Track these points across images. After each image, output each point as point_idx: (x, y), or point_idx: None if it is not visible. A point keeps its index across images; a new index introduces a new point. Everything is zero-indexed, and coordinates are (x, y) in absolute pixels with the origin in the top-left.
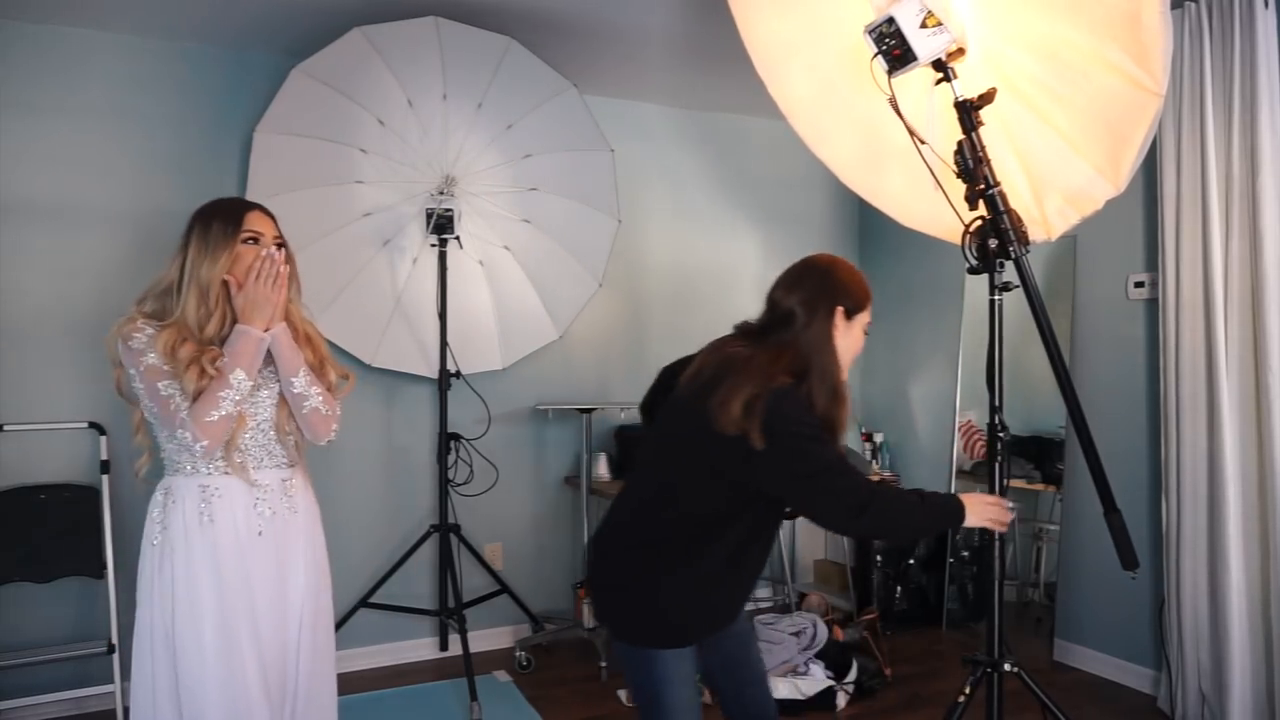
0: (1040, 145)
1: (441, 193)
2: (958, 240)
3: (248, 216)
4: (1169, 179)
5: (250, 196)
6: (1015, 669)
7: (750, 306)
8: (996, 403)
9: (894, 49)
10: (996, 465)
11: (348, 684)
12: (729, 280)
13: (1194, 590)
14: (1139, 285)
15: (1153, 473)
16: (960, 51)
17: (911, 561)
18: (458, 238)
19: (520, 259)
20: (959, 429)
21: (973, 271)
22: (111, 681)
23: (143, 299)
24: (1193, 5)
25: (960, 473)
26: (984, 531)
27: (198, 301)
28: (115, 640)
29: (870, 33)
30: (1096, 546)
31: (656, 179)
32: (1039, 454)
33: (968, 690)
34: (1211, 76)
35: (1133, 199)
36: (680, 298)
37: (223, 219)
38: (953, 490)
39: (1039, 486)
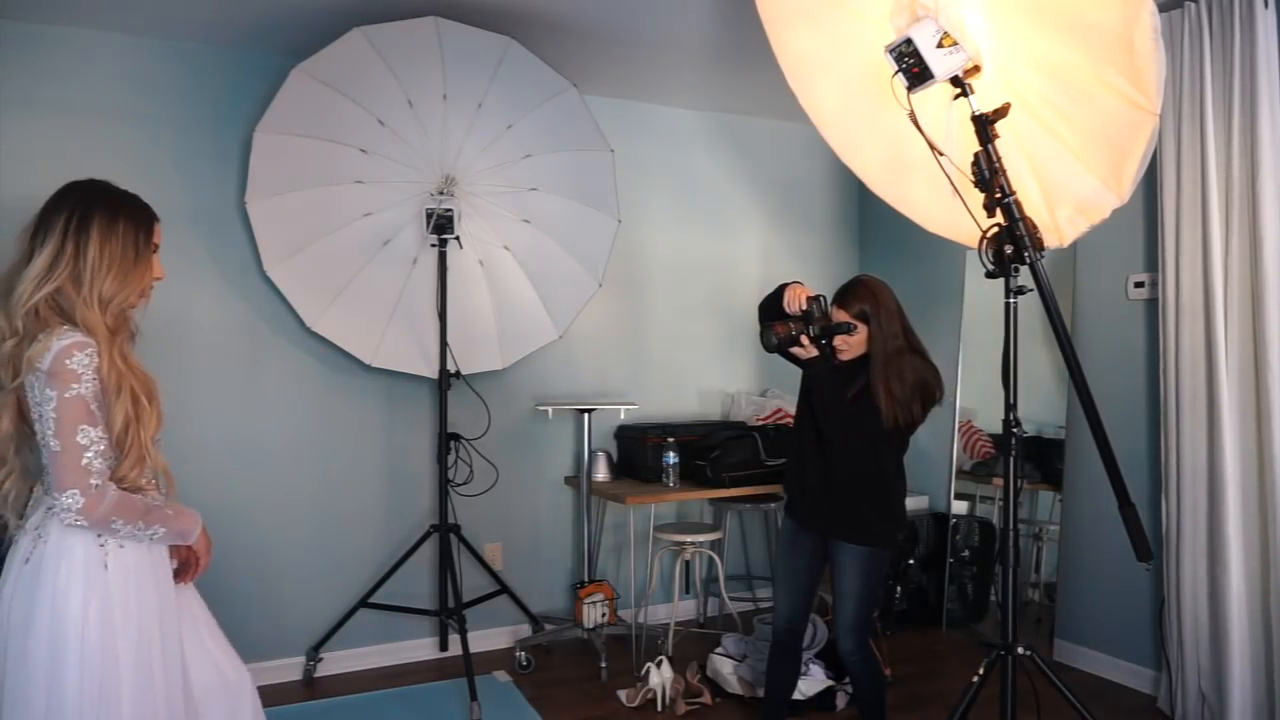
0: (1051, 157)
1: (441, 193)
2: (975, 245)
3: (157, 228)
4: (1169, 179)
5: (250, 196)
6: (1028, 653)
7: (751, 307)
8: (1011, 400)
9: (913, 67)
10: (1011, 461)
11: (348, 684)
12: (729, 280)
13: (1194, 590)
14: (1139, 285)
15: (1152, 473)
16: (976, 69)
17: (911, 561)
18: (457, 238)
19: (520, 259)
20: (959, 429)
21: (989, 275)
22: None
23: (19, 304)
24: (1192, 5)
25: (960, 473)
26: (986, 526)
27: (100, 316)
28: None
29: (890, 52)
30: (1096, 546)
31: (657, 179)
32: (1039, 454)
33: (981, 672)
34: (1211, 77)
35: (1133, 200)
36: (680, 298)
37: (131, 222)
38: (952, 490)
39: (1039, 486)
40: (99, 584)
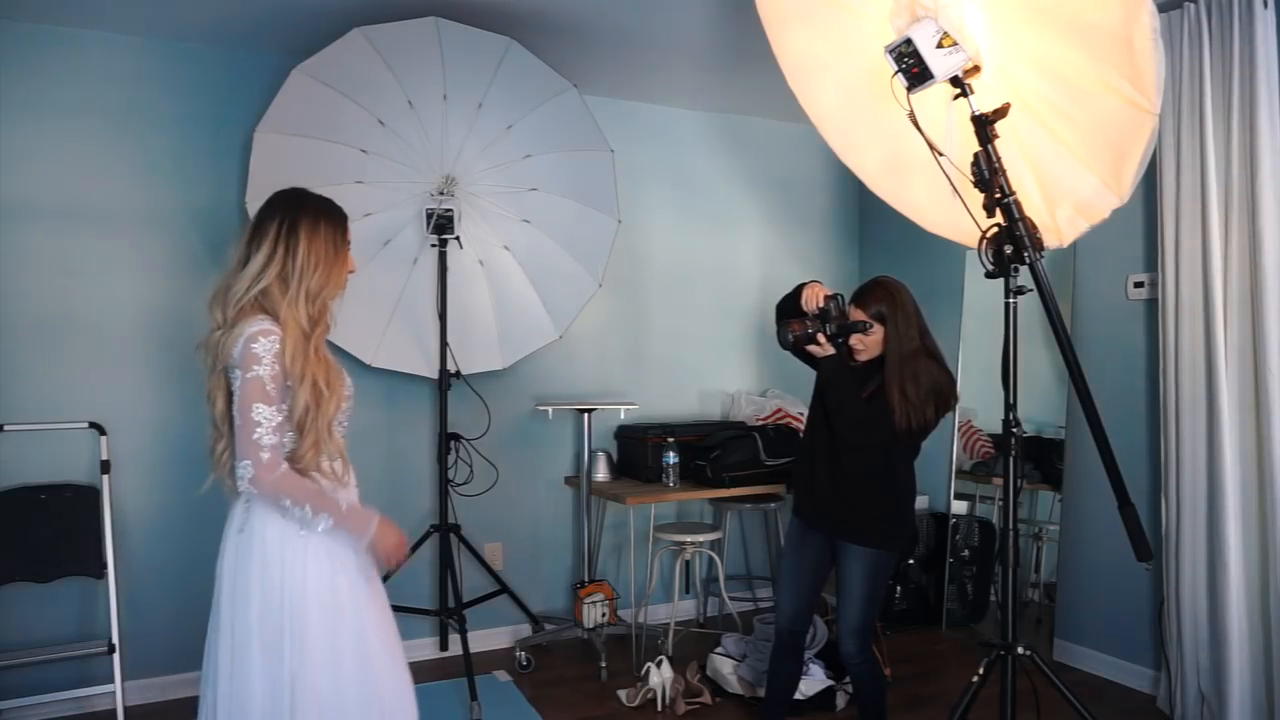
0: (1051, 158)
1: (441, 193)
2: (975, 245)
3: (348, 224)
4: (1168, 180)
5: (250, 197)
6: (1028, 653)
7: (750, 306)
8: (1011, 400)
9: (912, 68)
10: (1011, 461)
11: None
12: (729, 280)
13: (1193, 590)
14: (1139, 285)
15: (1152, 473)
16: (976, 69)
17: (911, 561)
18: (457, 238)
19: (520, 259)
20: (959, 429)
21: (989, 276)
22: (112, 681)
23: (233, 299)
24: (1191, 6)
25: (960, 473)
26: (986, 526)
27: (305, 309)
28: (115, 640)
29: (890, 52)
30: (1096, 546)
31: (657, 179)
32: (1038, 453)
33: (981, 672)
34: (1210, 77)
35: (1132, 200)
36: (680, 298)
37: (330, 224)
38: (952, 490)
39: (1039, 486)
40: (296, 551)
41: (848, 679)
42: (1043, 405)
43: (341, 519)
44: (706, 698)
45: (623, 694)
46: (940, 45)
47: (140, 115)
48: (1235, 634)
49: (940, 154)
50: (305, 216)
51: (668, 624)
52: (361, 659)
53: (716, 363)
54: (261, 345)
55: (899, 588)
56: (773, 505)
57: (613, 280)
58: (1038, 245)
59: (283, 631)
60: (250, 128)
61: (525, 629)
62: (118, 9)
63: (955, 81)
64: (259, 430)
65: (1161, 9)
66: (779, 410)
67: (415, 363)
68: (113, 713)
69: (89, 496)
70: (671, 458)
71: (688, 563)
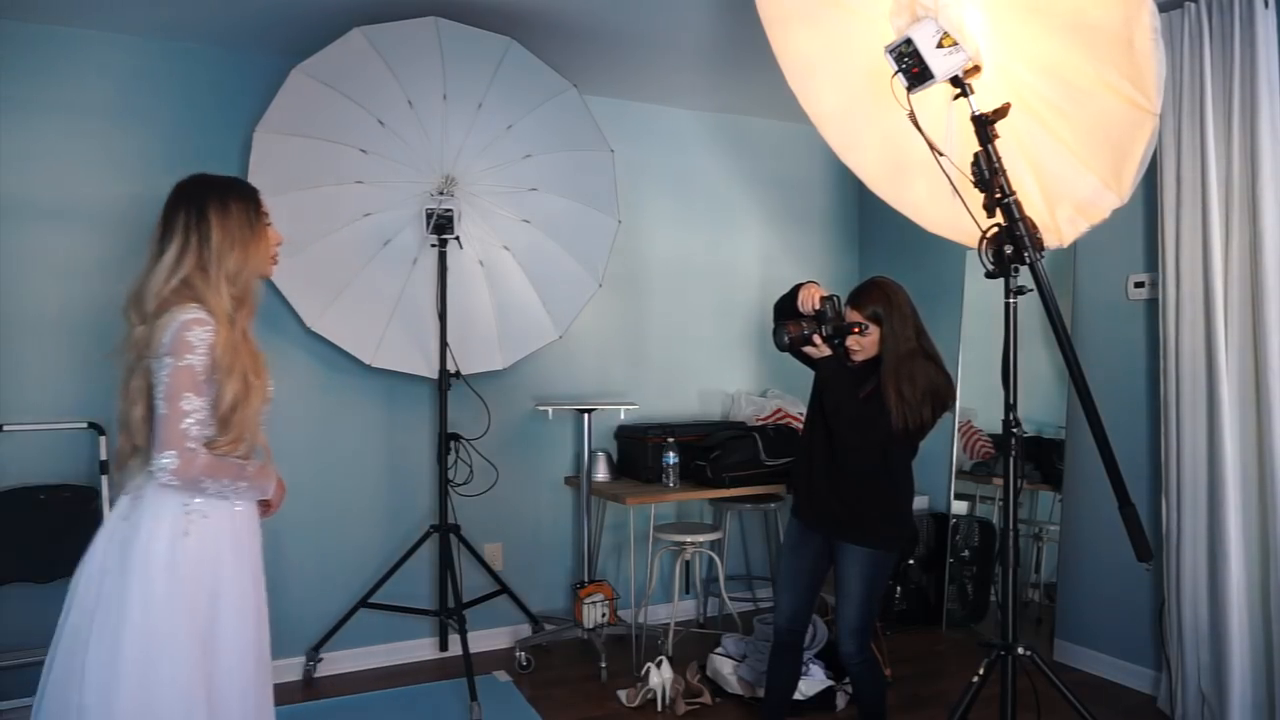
0: (1051, 158)
1: (441, 193)
2: (975, 245)
3: (261, 198)
4: (1169, 179)
5: None
6: (1028, 653)
7: (750, 306)
8: (1012, 400)
9: (912, 68)
10: (1011, 461)
11: (348, 684)
12: (729, 280)
13: (1194, 590)
14: (1139, 285)
15: (1152, 473)
16: (976, 69)
17: (911, 561)
18: (457, 238)
19: (520, 259)
20: (959, 429)
21: (989, 276)
22: None
23: (152, 294)
24: (1192, 5)
25: (960, 473)
26: (986, 526)
27: (227, 292)
28: None
29: (890, 52)
30: (1096, 546)
31: (657, 179)
32: (1038, 453)
33: (981, 672)
34: (1211, 77)
35: (1133, 199)
36: (680, 298)
37: (240, 201)
38: (952, 490)
39: (1039, 486)
40: (179, 549)
41: (848, 679)
42: (1043, 405)
43: (255, 478)
44: (706, 698)
45: (623, 694)
46: (940, 45)
47: (140, 115)
48: (1236, 634)
49: (940, 154)
50: (212, 199)
51: (668, 624)
52: (235, 654)
53: (716, 363)
54: (195, 334)
55: (899, 588)
56: (773, 505)
57: (613, 280)
58: (1038, 245)
59: (155, 634)
60: (250, 128)
61: (525, 629)
62: (118, 9)
63: (955, 81)
64: (187, 420)
65: (1162, 9)
66: (779, 410)
67: (415, 363)
68: None
69: (89, 496)
70: (671, 458)
71: (688, 563)
